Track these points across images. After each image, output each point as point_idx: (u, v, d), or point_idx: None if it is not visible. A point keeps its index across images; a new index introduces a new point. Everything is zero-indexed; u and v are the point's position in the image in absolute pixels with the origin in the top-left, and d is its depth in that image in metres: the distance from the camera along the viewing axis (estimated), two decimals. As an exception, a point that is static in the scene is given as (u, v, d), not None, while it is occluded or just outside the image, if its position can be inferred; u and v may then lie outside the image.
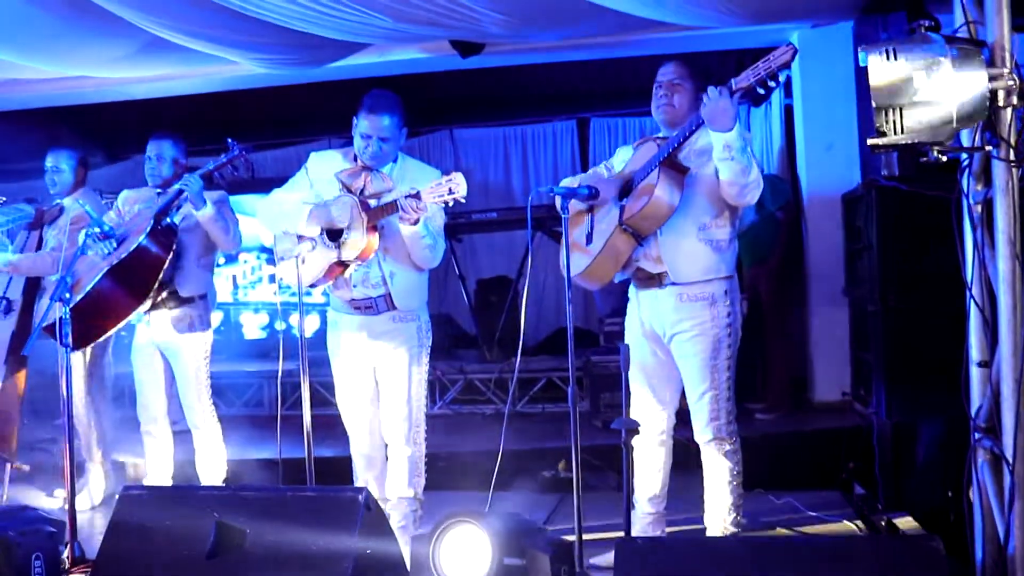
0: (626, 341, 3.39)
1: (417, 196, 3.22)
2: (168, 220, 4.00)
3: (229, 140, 3.95)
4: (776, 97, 6.56)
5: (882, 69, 2.41)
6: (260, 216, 3.59)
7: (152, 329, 4.14)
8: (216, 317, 8.38)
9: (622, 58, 6.67)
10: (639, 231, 3.13)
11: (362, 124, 3.43)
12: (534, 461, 4.98)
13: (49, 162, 4.56)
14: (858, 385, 4.81)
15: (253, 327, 8.22)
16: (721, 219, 3.19)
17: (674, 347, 3.24)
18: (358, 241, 3.35)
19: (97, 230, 3.64)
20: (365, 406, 3.62)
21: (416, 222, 3.30)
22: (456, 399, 6.52)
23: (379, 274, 3.48)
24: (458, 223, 6.89)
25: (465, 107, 8.01)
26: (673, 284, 3.19)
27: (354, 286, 3.48)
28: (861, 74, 4.87)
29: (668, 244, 3.16)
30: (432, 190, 3.20)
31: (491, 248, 8.14)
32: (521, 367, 6.46)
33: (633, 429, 2.82)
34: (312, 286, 3.53)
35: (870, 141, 2.40)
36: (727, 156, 2.92)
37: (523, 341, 6.94)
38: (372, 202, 3.42)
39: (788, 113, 6.39)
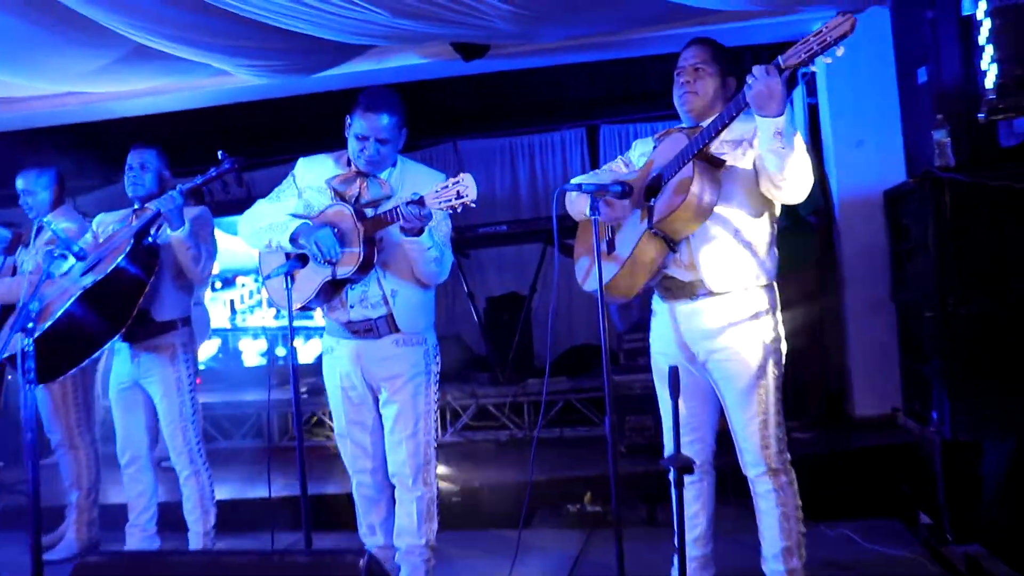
0: (654, 359, 3.00)
1: (420, 202, 2.84)
2: (150, 239, 3.63)
3: (220, 153, 3.58)
4: (798, 97, 6.17)
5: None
6: (241, 231, 3.22)
7: (130, 360, 3.77)
8: (213, 344, 8.19)
9: (632, 59, 6.31)
10: (672, 235, 2.73)
11: (357, 124, 3.07)
12: (556, 493, 4.60)
13: (19, 184, 4.26)
14: (911, 399, 4.39)
15: (252, 354, 7.88)
16: (761, 219, 2.80)
17: (712, 367, 2.83)
18: (354, 256, 2.97)
19: (60, 251, 3.27)
20: (367, 443, 3.24)
21: (420, 232, 2.92)
22: (468, 426, 6.13)
23: (379, 293, 3.10)
24: (465, 238, 6.56)
25: (469, 117, 7.71)
26: (708, 294, 2.79)
27: (351, 307, 3.10)
28: (906, 60, 4.51)
29: (702, 248, 2.76)
30: (437, 195, 2.82)
31: (500, 264, 7.81)
32: (536, 389, 6.17)
33: (686, 467, 2.41)
34: (305, 308, 3.15)
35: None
36: (777, 145, 2.52)
37: (537, 361, 6.70)
38: (369, 211, 3.04)
39: (812, 113, 6.00)
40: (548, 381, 6.13)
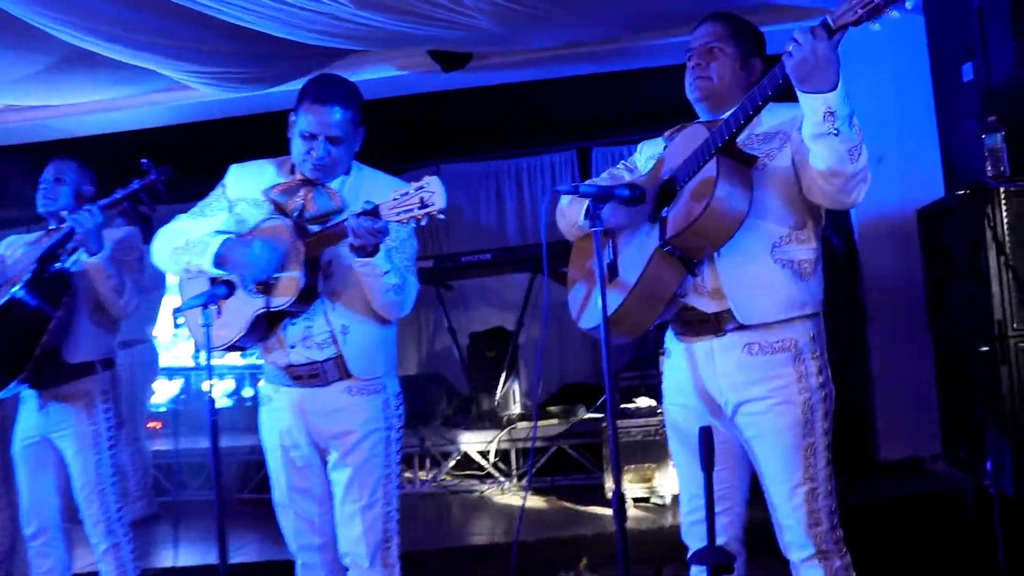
0: (667, 412, 2.42)
1: (374, 213, 2.27)
2: (58, 265, 3.06)
3: (144, 162, 3.02)
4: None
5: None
6: (155, 252, 2.63)
7: (37, 410, 3.18)
8: (175, 385, 7.60)
9: (630, 72, 5.79)
10: (690, 253, 2.16)
11: (303, 120, 2.51)
12: (548, 555, 4.03)
13: None
14: (954, 444, 3.81)
15: (218, 394, 7.27)
16: (803, 231, 2.22)
17: (743, 422, 2.24)
18: (293, 282, 2.39)
19: None
20: (314, 515, 2.63)
21: (373, 252, 2.35)
22: (450, 474, 5.51)
23: (326, 329, 2.51)
24: (446, 267, 6.02)
25: (452, 138, 7.22)
26: (739, 329, 2.20)
27: (291, 347, 2.52)
28: (944, 56, 3.98)
29: (730, 270, 2.18)
30: (396, 203, 2.25)
31: (485, 296, 7.26)
32: (525, 434, 5.58)
33: (724, 566, 1.80)
34: (235, 348, 2.55)
35: None
36: (828, 130, 1.95)
37: (526, 402, 6.12)
38: (316, 227, 2.47)
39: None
40: (538, 425, 5.59)
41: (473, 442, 5.54)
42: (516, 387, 6.09)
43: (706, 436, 1.85)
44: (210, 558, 4.22)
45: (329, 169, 2.53)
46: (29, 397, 3.20)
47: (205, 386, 7.18)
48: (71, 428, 3.15)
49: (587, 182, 2.20)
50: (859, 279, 4.86)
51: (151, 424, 6.34)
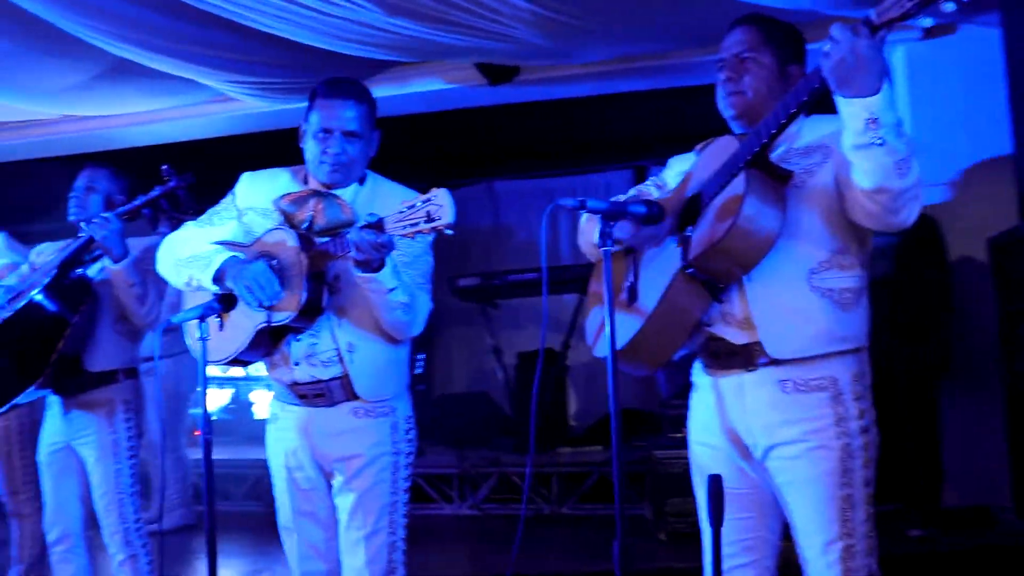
0: (693, 452, 2.21)
1: (378, 226, 2.13)
2: (79, 272, 3.02)
3: (164, 168, 2.97)
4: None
5: None
6: (160, 262, 2.54)
7: (61, 416, 3.16)
8: (224, 395, 7.62)
9: (685, 88, 5.57)
10: (716, 277, 1.96)
11: (316, 118, 2.40)
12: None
13: None
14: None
15: (265, 406, 7.27)
16: (846, 256, 1.99)
17: (774, 467, 2.02)
18: (294, 299, 2.26)
19: None
20: (319, 540, 2.50)
21: (379, 267, 2.21)
22: (489, 498, 5.35)
23: (331, 346, 2.38)
24: (492, 285, 5.87)
25: (504, 155, 7.11)
26: (771, 364, 1.99)
27: (295, 364, 2.40)
28: (1022, 83, 3.69)
29: (761, 298, 1.98)
30: (401, 217, 2.10)
31: (535, 315, 7.07)
32: (568, 460, 5.40)
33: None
34: (237, 362, 2.44)
35: None
36: (872, 139, 1.73)
37: (570, 427, 5.93)
38: (326, 239, 2.35)
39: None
40: (581, 451, 5.40)
41: (513, 464, 5.38)
42: (561, 410, 5.92)
43: (715, 486, 1.65)
44: (244, 571, 4.17)
45: (346, 169, 2.41)
46: (54, 403, 3.19)
47: (250, 396, 7.13)
48: (92, 436, 3.12)
49: (600, 199, 2.00)
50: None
51: (196, 432, 6.37)
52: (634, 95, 5.66)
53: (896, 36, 4.44)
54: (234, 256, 2.35)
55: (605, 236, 1.88)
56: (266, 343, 2.38)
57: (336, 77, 2.48)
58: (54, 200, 3.62)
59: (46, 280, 2.89)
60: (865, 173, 1.79)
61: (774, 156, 2.01)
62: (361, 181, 2.49)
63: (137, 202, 2.97)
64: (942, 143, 4.32)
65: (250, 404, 7.37)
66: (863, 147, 1.75)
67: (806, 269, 1.97)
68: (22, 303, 2.83)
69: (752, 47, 2.08)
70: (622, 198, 2.05)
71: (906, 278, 3.91)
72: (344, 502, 2.43)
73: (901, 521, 4.10)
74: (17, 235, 3.94)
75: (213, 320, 2.34)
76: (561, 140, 6.88)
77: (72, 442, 3.16)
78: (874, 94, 1.70)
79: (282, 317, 2.28)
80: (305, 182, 2.49)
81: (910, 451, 4.10)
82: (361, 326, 2.38)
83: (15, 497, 3.68)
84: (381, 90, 5.09)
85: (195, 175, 3.01)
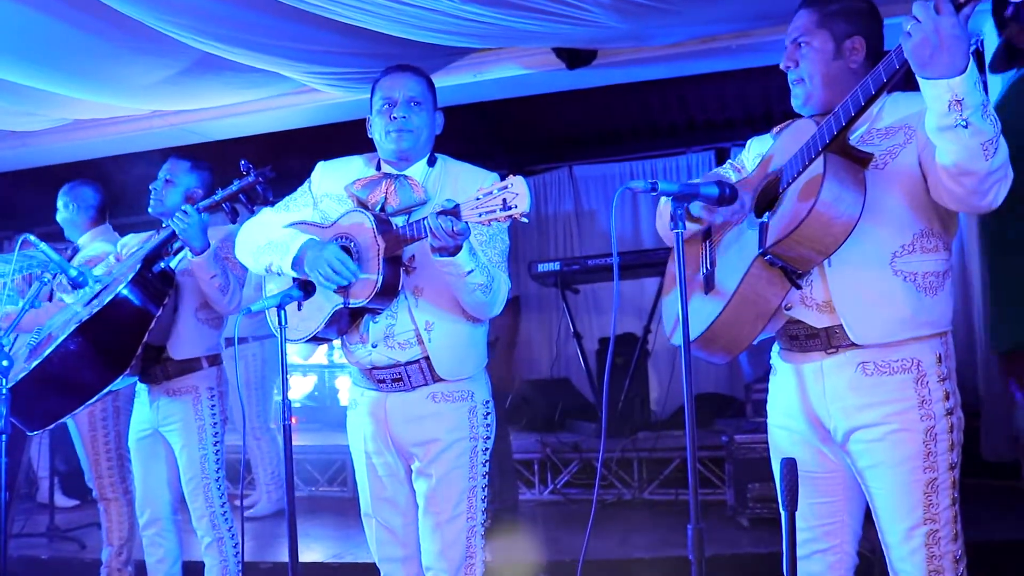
0: (772, 435, 2.18)
1: (455, 212, 2.15)
2: (163, 265, 3.12)
3: (243, 162, 3.04)
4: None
5: None
6: (239, 249, 2.60)
7: (148, 404, 3.27)
8: (309, 382, 7.79)
9: (764, 68, 5.43)
10: (794, 263, 1.92)
11: (379, 94, 2.49)
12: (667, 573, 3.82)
13: (59, 201, 3.91)
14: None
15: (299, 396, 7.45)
16: (930, 239, 1.94)
17: (856, 450, 1.98)
18: (370, 282, 2.31)
19: (49, 275, 2.79)
20: (397, 526, 2.54)
21: (455, 251, 2.23)
22: (570, 483, 5.37)
23: (410, 327, 2.41)
24: (572, 271, 5.85)
25: (584, 139, 7.05)
26: (852, 347, 1.95)
27: (373, 346, 2.43)
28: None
29: (842, 282, 1.93)
30: (478, 204, 2.12)
31: (618, 300, 7.02)
32: (650, 444, 5.37)
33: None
34: (316, 340, 2.50)
35: None
36: (956, 121, 1.67)
37: (652, 411, 5.88)
38: (400, 220, 2.37)
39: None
40: (663, 435, 5.36)
41: (595, 450, 5.38)
42: (643, 395, 5.89)
43: (789, 470, 1.63)
44: (327, 555, 4.28)
45: (414, 137, 2.45)
46: (142, 391, 3.29)
47: (336, 383, 7.20)
48: (179, 422, 3.21)
49: (664, 185, 1.96)
50: (968, 270, 4.37)
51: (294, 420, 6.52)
52: (713, 76, 5.54)
53: (985, 6, 4.24)
54: (311, 239, 2.40)
55: (677, 219, 1.86)
56: (343, 322, 2.42)
57: (393, 64, 2.52)
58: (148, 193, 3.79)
59: (131, 275, 2.97)
60: (949, 155, 1.74)
61: (855, 137, 1.97)
62: (431, 163, 2.52)
63: (216, 196, 3.02)
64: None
65: (335, 391, 7.48)
66: (947, 129, 1.70)
67: (889, 253, 1.92)
68: (109, 297, 2.92)
69: (806, 30, 2.04)
70: (696, 180, 2.01)
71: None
72: (422, 487, 2.47)
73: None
74: (116, 228, 4.10)
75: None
76: (640, 123, 6.79)
77: (159, 428, 3.26)
78: (958, 74, 1.64)
79: (359, 301, 2.32)
80: (378, 168, 2.53)
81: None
82: (439, 305, 2.40)
83: (100, 482, 3.79)
84: (458, 77, 5.13)
85: (277, 166, 3.07)
